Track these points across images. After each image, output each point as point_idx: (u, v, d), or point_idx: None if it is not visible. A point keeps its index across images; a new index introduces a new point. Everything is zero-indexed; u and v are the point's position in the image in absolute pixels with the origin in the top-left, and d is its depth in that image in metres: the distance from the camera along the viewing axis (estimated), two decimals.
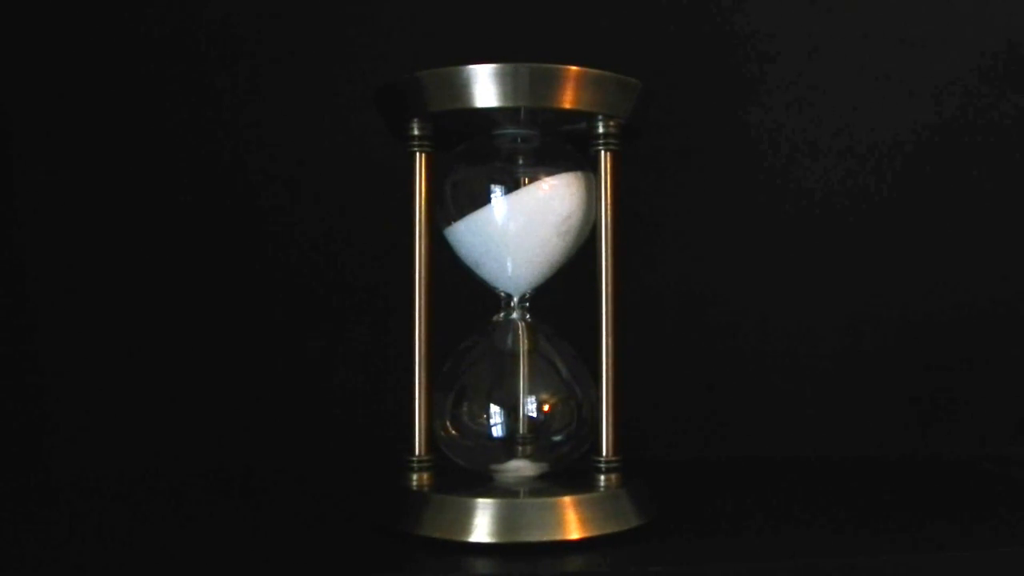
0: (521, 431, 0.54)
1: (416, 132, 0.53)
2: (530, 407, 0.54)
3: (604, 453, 0.52)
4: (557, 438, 0.54)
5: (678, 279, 0.76)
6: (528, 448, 0.54)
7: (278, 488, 0.65)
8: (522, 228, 0.53)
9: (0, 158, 0.71)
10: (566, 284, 0.55)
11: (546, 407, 0.54)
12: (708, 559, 0.48)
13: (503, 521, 0.49)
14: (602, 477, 0.52)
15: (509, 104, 0.50)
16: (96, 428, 0.71)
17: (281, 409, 0.72)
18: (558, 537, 0.49)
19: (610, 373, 0.52)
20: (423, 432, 0.53)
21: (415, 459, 0.53)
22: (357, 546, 0.51)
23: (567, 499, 0.50)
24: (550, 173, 0.53)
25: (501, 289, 0.56)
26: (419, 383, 0.53)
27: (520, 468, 0.54)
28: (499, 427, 0.54)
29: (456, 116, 0.52)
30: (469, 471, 0.54)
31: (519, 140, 0.55)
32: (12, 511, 0.60)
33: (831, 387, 0.77)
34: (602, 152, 0.52)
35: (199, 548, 0.51)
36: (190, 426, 0.72)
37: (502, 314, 0.56)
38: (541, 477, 0.54)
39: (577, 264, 0.55)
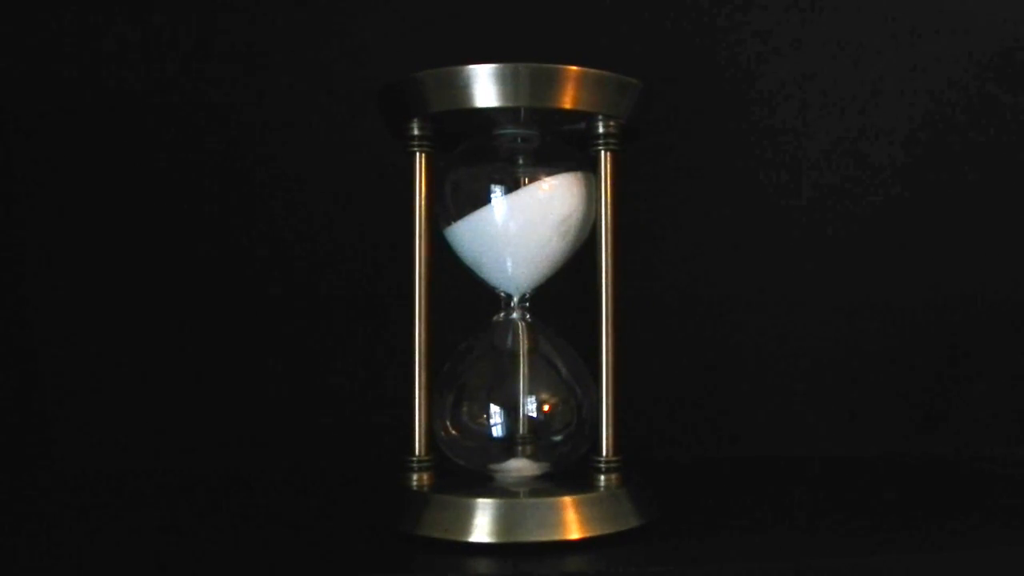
0: (521, 431, 0.54)
1: (416, 132, 0.53)
2: (530, 407, 0.54)
3: (604, 453, 0.52)
4: (557, 438, 0.54)
5: (678, 279, 0.76)
6: (528, 448, 0.54)
7: (278, 488, 0.65)
8: (522, 228, 0.53)
9: (0, 158, 0.71)
10: (566, 284, 0.55)
11: (546, 407, 0.54)
12: (708, 559, 0.48)
13: (503, 521, 0.49)
14: (602, 477, 0.52)
15: (509, 104, 0.50)
16: (95, 428, 0.71)
17: (281, 409, 0.72)
18: (558, 537, 0.49)
19: (610, 373, 0.52)
20: (423, 432, 0.53)
21: (415, 459, 0.53)
22: (357, 546, 0.51)
23: (567, 499, 0.50)
24: (550, 173, 0.53)
25: (501, 289, 0.56)
26: (419, 383, 0.53)
27: (520, 468, 0.54)
28: (499, 427, 0.54)
29: (456, 116, 0.52)
30: (469, 471, 0.54)
31: (519, 140, 0.55)
32: (11, 510, 0.60)
33: (832, 387, 0.77)
34: (602, 152, 0.52)
35: (199, 548, 0.51)
36: (190, 426, 0.72)
37: (502, 314, 0.56)
38: (541, 477, 0.54)
39: (577, 264, 0.55)
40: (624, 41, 0.74)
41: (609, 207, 0.52)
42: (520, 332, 0.56)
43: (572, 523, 0.49)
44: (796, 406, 0.76)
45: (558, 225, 0.53)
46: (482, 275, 0.55)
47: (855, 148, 0.77)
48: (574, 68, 0.50)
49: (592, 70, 0.51)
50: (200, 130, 0.73)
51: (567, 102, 0.50)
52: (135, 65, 0.72)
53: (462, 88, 0.50)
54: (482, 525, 0.49)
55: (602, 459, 0.52)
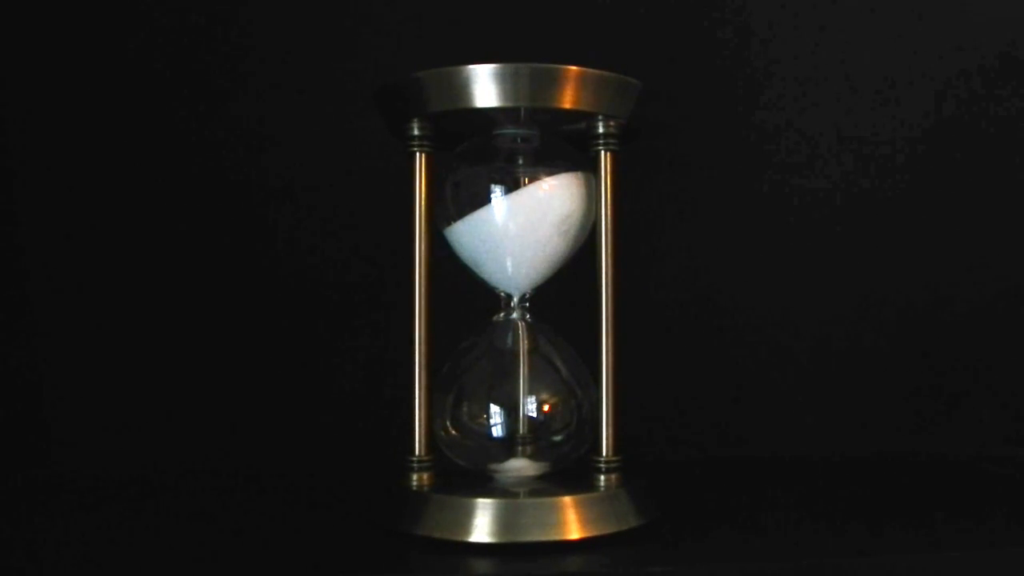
0: (521, 431, 0.54)
1: (416, 132, 0.53)
2: (530, 407, 0.54)
3: (604, 453, 0.52)
4: (557, 438, 0.54)
5: (678, 279, 0.76)
6: (528, 448, 0.54)
7: (278, 488, 0.65)
8: (522, 228, 0.53)
9: (0, 158, 0.71)
10: (566, 284, 0.55)
11: (546, 407, 0.54)
12: (708, 559, 0.48)
13: (503, 521, 0.49)
14: (602, 477, 0.52)
15: (509, 104, 0.50)
16: (96, 428, 0.71)
17: (281, 409, 0.72)
18: (558, 537, 0.49)
19: (610, 373, 0.52)
20: (423, 432, 0.53)
21: (415, 459, 0.53)
22: (357, 546, 0.51)
23: (567, 499, 0.50)
24: (550, 173, 0.53)
25: (501, 289, 0.56)
26: (419, 383, 0.53)
27: (520, 468, 0.54)
28: (499, 427, 0.54)
29: (456, 116, 0.52)
30: (469, 471, 0.54)
31: (519, 140, 0.55)
32: (12, 511, 0.60)
33: (832, 387, 0.77)
34: (602, 152, 0.52)
35: (199, 548, 0.51)
36: (190, 426, 0.72)
37: (502, 314, 0.56)
38: (541, 477, 0.54)
39: (577, 264, 0.55)
40: (624, 41, 0.74)
41: (609, 207, 0.52)
42: (520, 332, 0.56)
43: (572, 523, 0.49)
44: (796, 406, 0.76)
45: (558, 225, 0.53)
46: (482, 275, 0.55)
47: (856, 148, 0.77)
48: (574, 68, 0.50)
49: (592, 70, 0.51)
50: (199, 130, 0.73)
51: (567, 102, 0.50)
52: (135, 65, 0.72)
53: (462, 88, 0.50)
54: (482, 525, 0.49)
55: (602, 459, 0.52)
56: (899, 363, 0.77)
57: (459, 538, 0.49)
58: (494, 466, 0.54)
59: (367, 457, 0.66)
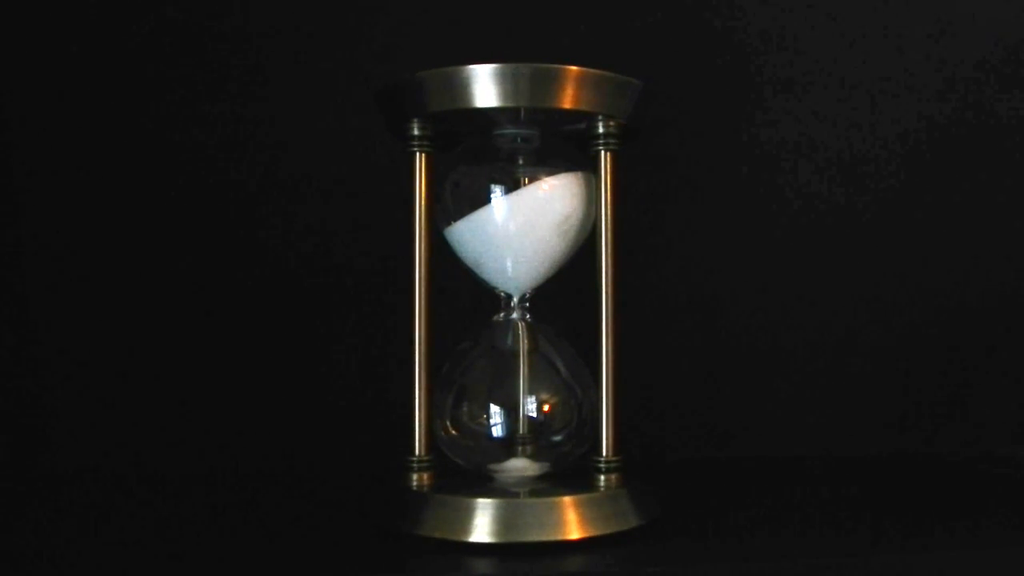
0: (521, 431, 0.54)
1: (416, 132, 0.53)
2: (530, 407, 0.54)
3: (604, 453, 0.52)
4: (557, 438, 0.54)
5: (678, 279, 0.76)
6: (528, 448, 0.54)
7: (278, 488, 0.65)
8: (522, 228, 0.53)
9: (0, 157, 0.71)
10: (566, 284, 0.55)
11: (546, 407, 0.54)
12: (708, 559, 0.48)
13: (503, 521, 0.49)
14: (602, 477, 0.52)
15: (509, 104, 0.50)
16: (96, 428, 0.71)
17: (281, 409, 0.72)
18: (558, 537, 0.49)
19: (610, 373, 0.52)
20: (423, 432, 0.53)
21: (415, 459, 0.53)
22: (357, 546, 0.51)
23: (567, 499, 0.50)
24: (550, 173, 0.53)
25: (501, 289, 0.56)
26: (419, 383, 0.53)
27: (520, 468, 0.54)
28: (499, 427, 0.54)
29: (456, 116, 0.52)
30: (469, 471, 0.54)
31: (519, 140, 0.55)
32: (12, 511, 0.60)
33: (831, 387, 0.77)
34: (602, 152, 0.52)
35: (199, 548, 0.51)
36: (190, 426, 0.72)
37: (502, 314, 0.56)
38: (541, 477, 0.54)
39: (577, 264, 0.55)
40: (624, 41, 0.74)
41: (609, 207, 0.52)
42: (520, 332, 0.56)
43: (572, 523, 0.49)
44: (796, 406, 0.76)
45: (558, 225, 0.53)
46: (482, 275, 0.55)
47: (856, 146, 0.77)
48: (574, 68, 0.50)
49: (592, 70, 0.51)
50: (199, 130, 0.73)
51: (567, 102, 0.50)
52: (137, 65, 0.72)
53: (462, 88, 0.50)
54: (482, 525, 0.49)
55: (602, 459, 0.52)
56: (899, 363, 0.77)
57: (459, 538, 0.49)
58: (494, 466, 0.54)
59: (367, 457, 0.66)
